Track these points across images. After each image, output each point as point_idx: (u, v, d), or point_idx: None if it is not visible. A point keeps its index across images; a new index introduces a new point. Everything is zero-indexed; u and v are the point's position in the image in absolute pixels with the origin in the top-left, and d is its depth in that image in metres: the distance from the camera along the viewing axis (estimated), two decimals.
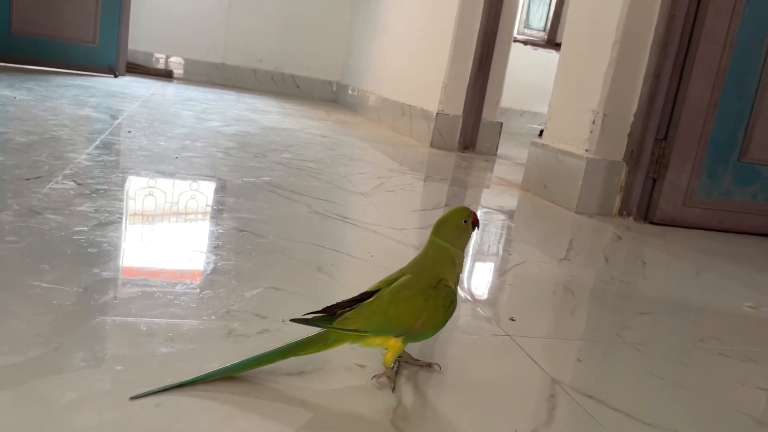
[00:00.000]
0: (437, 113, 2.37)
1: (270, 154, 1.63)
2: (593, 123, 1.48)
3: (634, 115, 1.47)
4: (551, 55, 4.39)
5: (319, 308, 0.54)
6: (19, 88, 2.13)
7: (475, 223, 0.58)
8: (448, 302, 0.54)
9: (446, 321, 0.55)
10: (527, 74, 4.24)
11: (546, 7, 4.43)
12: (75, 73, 3.05)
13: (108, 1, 3.07)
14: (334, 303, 0.55)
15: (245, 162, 1.47)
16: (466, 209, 0.57)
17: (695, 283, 1.04)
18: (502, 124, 2.49)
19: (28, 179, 1.01)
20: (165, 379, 0.49)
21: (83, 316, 0.57)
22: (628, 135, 1.49)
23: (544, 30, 4.45)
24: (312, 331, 0.53)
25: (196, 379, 0.49)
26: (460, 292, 0.82)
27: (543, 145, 1.63)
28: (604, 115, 1.46)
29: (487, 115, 2.42)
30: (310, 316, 0.53)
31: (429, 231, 1.06)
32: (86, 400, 0.45)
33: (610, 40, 1.44)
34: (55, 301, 0.59)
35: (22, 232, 0.76)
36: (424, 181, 1.64)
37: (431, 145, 2.39)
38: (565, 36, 1.63)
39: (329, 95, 4.09)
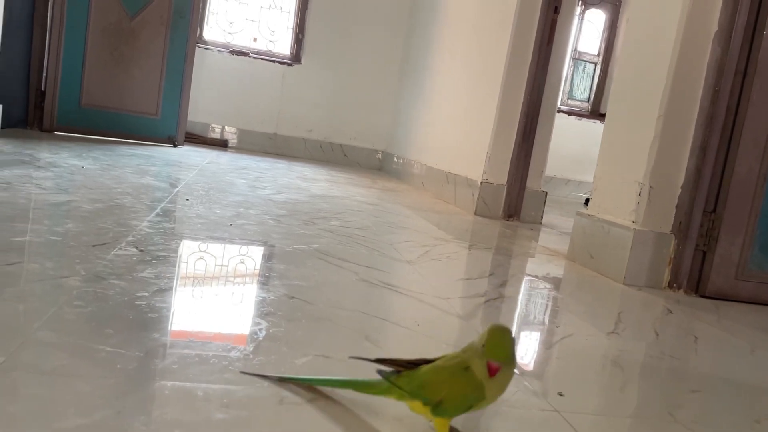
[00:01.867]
0: (481, 182, 2.41)
1: (319, 222, 1.68)
2: (639, 195, 1.48)
3: (682, 188, 1.47)
4: (595, 125, 4.42)
5: (362, 375, 0.56)
6: (86, 158, 2.28)
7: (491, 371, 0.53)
8: (472, 387, 0.54)
9: (468, 406, 0.54)
10: (571, 144, 4.27)
11: (589, 78, 4.50)
12: (137, 143, 3.23)
13: (171, 77, 3.29)
14: (398, 359, 0.59)
15: (295, 229, 1.52)
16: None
17: (750, 361, 1.01)
18: (546, 193, 2.51)
19: (94, 246, 1.07)
20: None
21: (144, 381, 0.60)
22: (676, 207, 1.48)
23: (588, 101, 4.50)
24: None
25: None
26: None
27: (589, 215, 1.64)
28: (651, 187, 1.47)
29: (531, 184, 2.44)
30: (373, 359, 0.59)
31: (474, 300, 1.07)
32: None
33: (654, 113, 1.46)
34: (118, 365, 0.63)
35: (88, 297, 0.81)
36: (469, 250, 1.65)
37: (475, 213, 2.41)
38: (609, 108, 1.66)
39: (375, 163, 4.19)
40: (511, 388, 0.73)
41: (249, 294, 0.95)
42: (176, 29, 3.26)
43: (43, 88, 3.01)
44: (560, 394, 0.73)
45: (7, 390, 0.54)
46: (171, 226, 1.35)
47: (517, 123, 2.39)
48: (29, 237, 1.05)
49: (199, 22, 3.70)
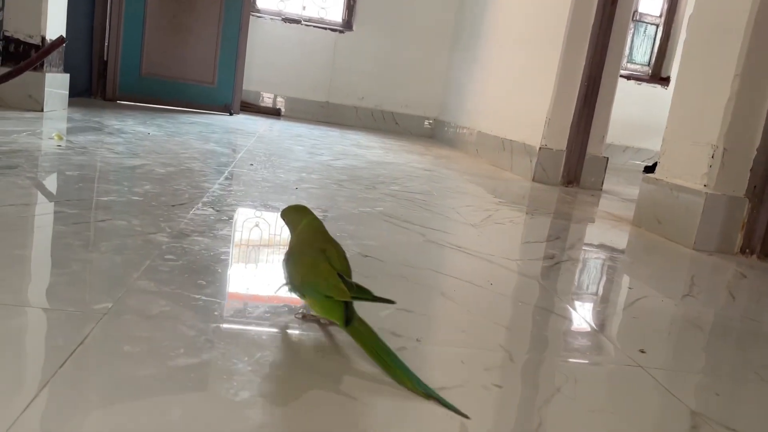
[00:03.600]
0: (540, 148, 2.37)
1: (379, 186, 1.70)
2: (712, 157, 1.43)
3: (758, 150, 1.41)
4: (656, 90, 4.26)
5: (444, 329, 0.57)
6: (150, 125, 2.34)
7: None
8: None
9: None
10: (630, 109, 4.13)
11: (650, 41, 4.33)
12: (195, 111, 3.30)
13: (226, 47, 3.33)
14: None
15: (358, 193, 1.54)
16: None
17: None
18: (607, 159, 2.45)
19: (173, 206, 1.11)
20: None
21: (241, 327, 0.63)
22: (751, 170, 1.43)
23: (648, 64, 4.34)
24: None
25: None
26: (584, 319, 0.82)
27: (656, 179, 1.60)
28: (725, 149, 1.42)
29: (592, 149, 2.39)
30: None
31: (542, 263, 1.07)
32: (258, 398, 0.50)
33: (730, 72, 1.40)
34: (215, 312, 0.66)
35: (178, 252, 0.85)
36: (531, 215, 1.64)
37: (533, 180, 2.38)
38: (680, 69, 1.60)
39: (427, 131, 4.17)
40: (591, 344, 0.73)
41: None
42: None
43: (105, 58, 3.10)
44: (642, 351, 0.73)
45: (120, 332, 0.58)
46: (241, 188, 1.38)
47: (578, 87, 2.33)
48: (113, 197, 1.10)
49: None
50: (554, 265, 1.11)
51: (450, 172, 2.31)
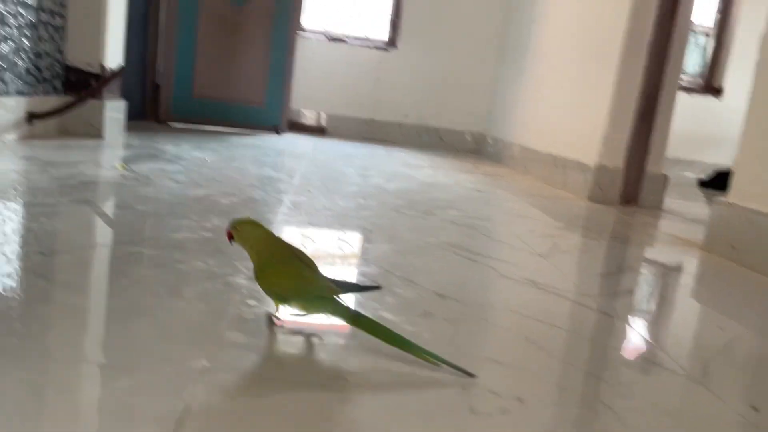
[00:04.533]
0: (596, 166, 2.31)
1: (438, 212, 1.67)
2: None
3: None
4: (708, 101, 4.14)
5: (542, 385, 0.55)
6: (205, 149, 2.38)
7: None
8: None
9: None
10: (682, 121, 4.01)
11: (701, 51, 4.21)
12: (245, 132, 3.34)
13: (274, 67, 3.37)
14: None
15: (418, 221, 1.52)
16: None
17: None
18: (667, 176, 2.38)
19: None
20: None
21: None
22: None
23: (701, 75, 4.22)
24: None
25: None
26: (682, 368, 0.78)
27: (729, 203, 1.53)
28: None
29: (651, 167, 2.32)
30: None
31: (622, 300, 1.03)
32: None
33: None
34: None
35: (257, 296, 0.84)
36: (597, 241, 1.59)
37: (589, 199, 2.32)
38: (756, 82, 1.53)
39: (472, 146, 4.13)
40: (693, 396, 0.70)
41: (400, 291, 0.95)
42: (279, 19, 3.33)
43: (158, 82, 3.17)
44: (755, 409, 0.68)
45: (224, 394, 0.57)
46: (304, 218, 1.38)
47: (635, 102, 2.27)
48: (185, 233, 1.11)
49: (300, 11, 3.74)
50: (635, 301, 1.07)
51: (503, 192, 2.27)
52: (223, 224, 1.21)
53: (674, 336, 0.92)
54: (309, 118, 4.01)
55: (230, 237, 0.77)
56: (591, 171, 2.33)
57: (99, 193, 1.38)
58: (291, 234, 1.22)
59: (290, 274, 0.73)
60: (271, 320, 0.75)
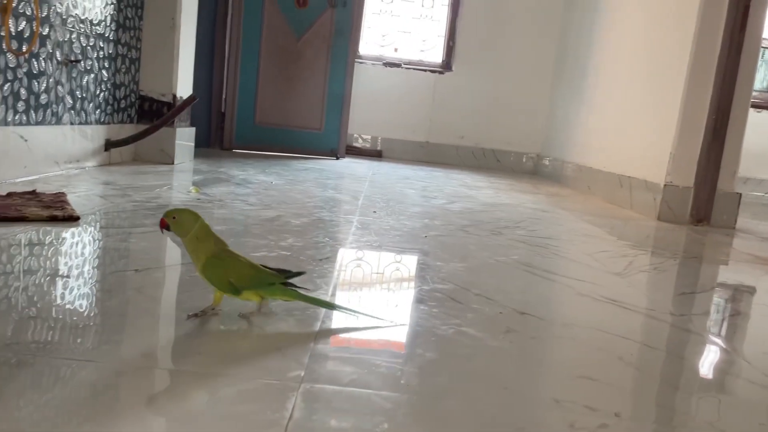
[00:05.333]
0: (665, 185, 2.25)
1: (505, 232, 1.66)
2: None
3: None
4: None
5: (638, 402, 0.53)
6: (270, 173, 2.44)
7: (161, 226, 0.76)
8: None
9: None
10: (751, 138, 3.87)
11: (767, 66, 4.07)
12: (304, 156, 3.41)
13: (332, 93, 3.44)
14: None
15: (487, 240, 1.51)
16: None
17: None
18: (740, 195, 2.29)
19: (320, 260, 1.13)
20: None
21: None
22: None
23: None
24: None
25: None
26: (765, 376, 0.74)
27: None
28: None
29: (723, 185, 2.24)
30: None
31: (710, 318, 0.99)
32: None
33: None
34: (402, 381, 0.65)
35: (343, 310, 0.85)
36: (673, 260, 1.54)
37: (658, 219, 2.26)
38: None
39: (529, 167, 4.09)
40: None
41: (479, 308, 0.94)
42: (337, 47, 3.41)
43: (223, 110, 3.28)
44: None
45: (321, 404, 0.57)
46: (374, 238, 1.39)
47: (705, 119, 2.21)
48: (264, 252, 1.13)
49: (357, 39, 3.82)
50: (723, 320, 1.03)
51: (568, 212, 2.23)
52: (298, 244, 1.24)
53: (765, 354, 0.88)
54: (365, 141, 4.06)
55: (164, 226, 0.76)
56: (659, 190, 2.27)
57: None
58: (364, 253, 1.23)
59: (245, 264, 0.76)
60: (204, 312, 0.77)
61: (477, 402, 0.62)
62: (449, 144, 4.10)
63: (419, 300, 0.94)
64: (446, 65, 4.03)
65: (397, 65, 4.00)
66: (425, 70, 4.01)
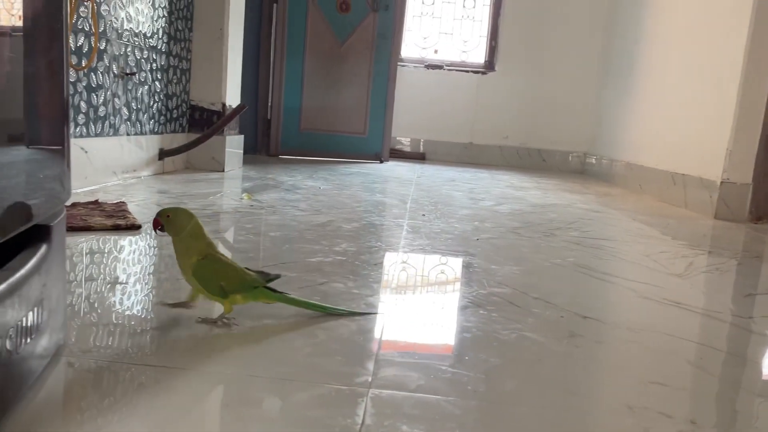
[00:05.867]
0: (721, 182, 2.18)
1: (557, 233, 1.63)
2: None
3: None
4: None
5: (716, 408, 0.51)
6: (317, 179, 2.46)
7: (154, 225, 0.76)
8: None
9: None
10: None
11: None
12: (348, 161, 3.44)
13: (375, 97, 3.45)
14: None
15: (540, 242, 1.49)
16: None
17: None
18: None
19: (375, 264, 1.14)
20: None
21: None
22: None
23: None
24: None
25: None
26: None
27: None
28: None
29: None
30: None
31: None
32: None
33: None
34: (468, 387, 0.64)
35: (404, 315, 0.85)
36: (735, 260, 1.49)
37: (715, 217, 2.19)
38: None
39: (576, 166, 4.02)
40: None
41: (540, 311, 0.93)
42: (379, 51, 3.42)
43: (269, 117, 3.33)
44: None
45: (392, 409, 0.58)
46: (426, 242, 1.39)
47: (764, 112, 2.13)
48: (320, 257, 1.15)
49: (400, 42, 3.82)
50: None
51: (620, 212, 2.18)
52: (351, 249, 1.25)
53: None
54: (408, 144, 4.06)
55: (158, 225, 0.75)
56: (716, 187, 2.20)
57: (233, 221, 1.46)
58: (417, 257, 1.23)
59: (235, 268, 0.76)
60: (214, 322, 0.76)
61: (547, 408, 0.61)
62: (493, 145, 4.07)
63: (477, 304, 0.94)
64: (489, 65, 4.00)
65: (439, 67, 3.99)
66: (467, 71, 3.99)
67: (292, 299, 0.81)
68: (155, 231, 0.76)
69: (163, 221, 0.75)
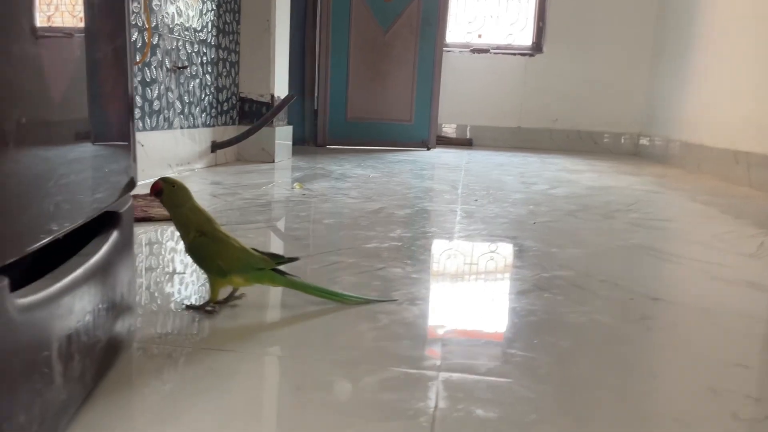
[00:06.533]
0: None
1: (616, 215, 1.58)
2: None
3: None
4: None
5: None
6: (366, 167, 2.46)
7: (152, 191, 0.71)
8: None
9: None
10: None
11: None
12: (395, 149, 3.42)
13: (421, 83, 3.42)
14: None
15: (600, 225, 1.44)
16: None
17: None
18: None
19: (431, 249, 1.12)
20: None
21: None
22: None
23: None
24: None
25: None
26: None
27: None
28: None
29: None
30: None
31: None
32: None
33: None
34: (540, 370, 0.62)
35: (475, 298, 0.83)
36: None
37: None
38: None
39: (629, 148, 3.90)
40: None
41: (607, 294, 0.90)
42: (424, 37, 3.39)
43: (315, 107, 3.35)
44: None
45: (464, 393, 0.56)
46: (482, 227, 1.36)
47: None
48: (376, 243, 1.14)
49: (444, 28, 3.77)
50: None
51: (680, 193, 2.10)
52: (406, 234, 1.23)
53: None
54: (454, 130, 4.02)
55: (158, 189, 0.70)
56: None
57: (286, 210, 1.47)
58: (476, 242, 1.21)
59: (236, 247, 0.71)
60: (204, 309, 0.73)
61: (626, 392, 0.59)
62: (542, 128, 3.98)
63: (540, 288, 0.91)
64: (537, 47, 3.91)
65: (485, 51, 3.92)
66: (514, 54, 3.91)
67: (301, 284, 0.76)
68: (152, 195, 0.70)
69: (165, 188, 0.70)
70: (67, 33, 0.47)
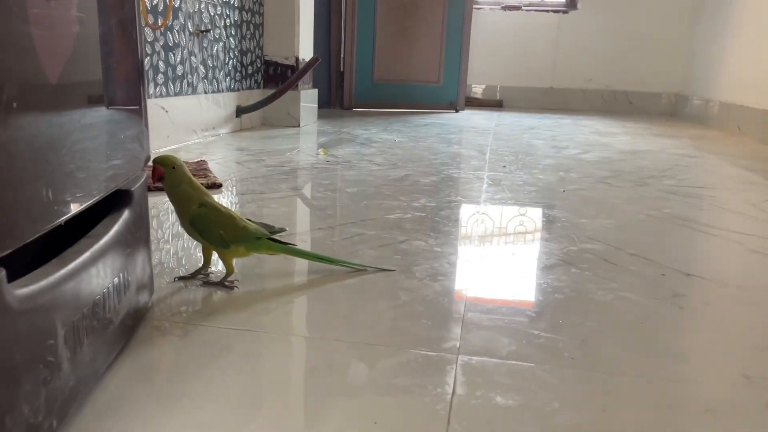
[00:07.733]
0: None
1: (651, 182, 1.53)
2: None
3: None
4: None
5: None
6: (392, 131, 2.42)
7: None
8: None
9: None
10: None
11: None
12: (423, 111, 3.36)
13: (450, 44, 3.33)
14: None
15: (632, 192, 1.39)
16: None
17: None
18: None
19: (456, 220, 1.09)
20: None
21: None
22: None
23: None
24: None
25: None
26: None
27: None
28: None
29: None
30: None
31: None
32: None
33: None
34: (564, 352, 0.60)
35: (492, 273, 0.81)
36: None
37: None
38: None
39: (667, 108, 3.76)
40: None
41: (637, 269, 0.86)
42: None
43: (341, 69, 3.29)
44: None
45: (483, 377, 0.55)
46: (508, 195, 1.33)
47: None
48: (399, 214, 1.11)
49: None
50: None
51: (718, 157, 2.02)
52: (430, 204, 1.21)
53: None
54: (484, 92, 3.93)
55: (160, 175, 0.69)
56: None
57: (310, 177, 1.45)
58: (501, 210, 1.18)
59: (234, 218, 0.73)
60: (224, 285, 0.74)
61: (653, 377, 0.56)
62: (576, 88, 3.86)
63: (568, 262, 0.88)
64: (571, 3, 3.76)
65: (517, 8, 3.79)
66: (548, 11, 3.78)
67: (297, 250, 0.80)
68: (153, 181, 0.70)
69: (166, 172, 0.69)
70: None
